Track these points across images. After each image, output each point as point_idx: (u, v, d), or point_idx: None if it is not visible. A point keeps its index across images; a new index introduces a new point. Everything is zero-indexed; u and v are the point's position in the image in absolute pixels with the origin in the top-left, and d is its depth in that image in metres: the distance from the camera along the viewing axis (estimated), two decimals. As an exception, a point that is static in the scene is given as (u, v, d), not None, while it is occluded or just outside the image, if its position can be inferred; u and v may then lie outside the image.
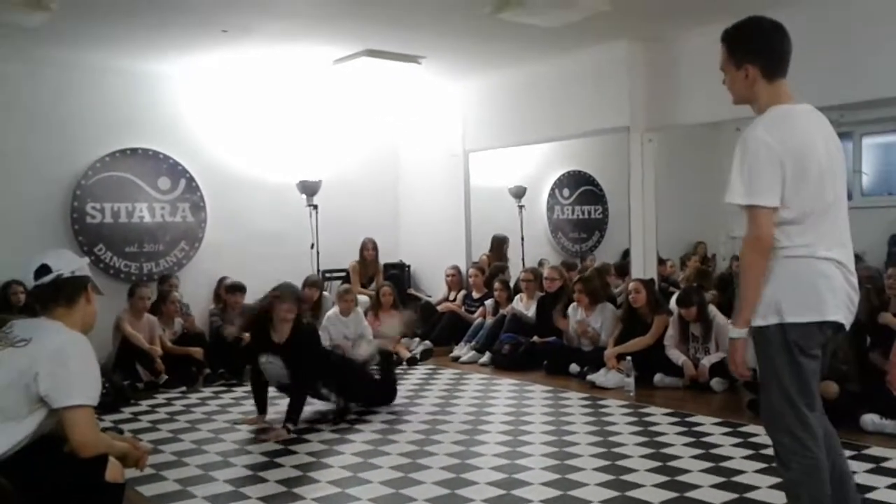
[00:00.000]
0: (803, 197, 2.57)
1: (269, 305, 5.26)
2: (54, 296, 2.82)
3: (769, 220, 2.55)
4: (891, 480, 3.80)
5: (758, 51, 2.67)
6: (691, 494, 3.70)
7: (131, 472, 2.94)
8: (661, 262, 7.80)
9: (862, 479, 3.75)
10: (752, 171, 2.55)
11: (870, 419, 4.60)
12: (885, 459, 4.13)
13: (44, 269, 2.83)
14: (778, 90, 2.66)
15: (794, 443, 2.60)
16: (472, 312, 8.30)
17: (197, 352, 6.97)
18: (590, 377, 6.31)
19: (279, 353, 5.18)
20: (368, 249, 8.80)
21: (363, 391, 5.72)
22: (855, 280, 2.66)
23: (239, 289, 7.41)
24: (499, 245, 9.27)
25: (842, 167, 2.68)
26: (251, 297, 7.31)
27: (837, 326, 2.64)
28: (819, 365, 2.64)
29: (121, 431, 4.89)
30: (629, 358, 6.10)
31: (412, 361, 7.55)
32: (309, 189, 8.51)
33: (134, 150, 7.75)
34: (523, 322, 7.50)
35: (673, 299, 6.48)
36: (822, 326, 2.59)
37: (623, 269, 8.29)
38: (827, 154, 2.63)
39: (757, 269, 2.58)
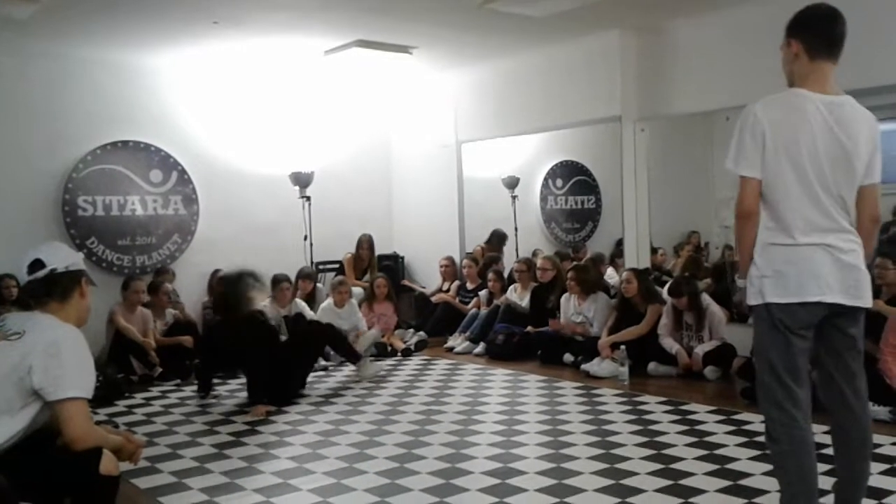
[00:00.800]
0: (781, 180, 2.70)
1: None
2: (48, 291, 2.81)
3: (752, 189, 2.73)
4: (883, 467, 3.83)
5: (804, 27, 2.77)
6: (685, 482, 3.72)
7: (126, 465, 2.94)
8: (652, 251, 7.81)
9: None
10: (740, 143, 2.73)
11: (862, 406, 4.63)
12: (878, 446, 4.14)
13: (38, 264, 2.82)
14: (815, 72, 2.75)
15: (782, 415, 2.72)
16: (467, 303, 8.31)
17: (187, 340, 6.95)
18: (584, 367, 6.32)
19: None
20: (364, 248, 8.78)
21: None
22: (852, 257, 2.72)
23: None
24: (498, 241, 9.26)
25: (857, 159, 2.73)
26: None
27: (835, 305, 2.70)
28: (808, 343, 2.75)
29: (116, 426, 4.89)
30: (623, 347, 6.11)
31: (407, 352, 7.56)
32: (302, 181, 8.49)
33: (125, 143, 7.72)
34: (517, 312, 7.51)
35: (665, 288, 6.50)
36: (805, 307, 2.70)
37: (616, 258, 8.33)
38: (835, 146, 2.69)
39: (742, 233, 2.81)
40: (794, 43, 2.77)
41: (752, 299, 2.79)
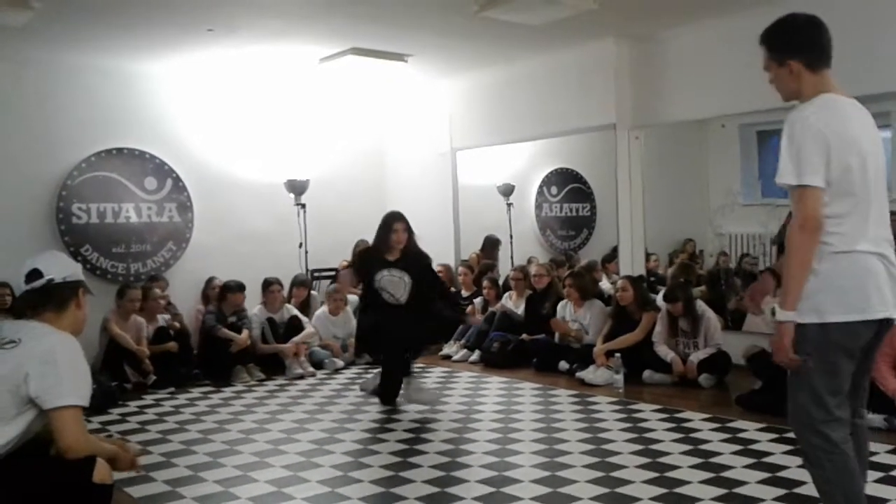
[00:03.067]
0: (847, 185, 2.54)
1: (380, 237, 5.70)
2: (44, 301, 2.80)
3: (817, 201, 2.51)
4: (878, 475, 3.83)
5: (798, 46, 2.67)
6: (680, 490, 3.71)
7: (121, 474, 2.92)
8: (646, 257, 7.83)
9: (849, 473, 3.76)
10: (800, 152, 2.51)
11: (857, 413, 4.63)
12: (873, 454, 4.12)
13: (35, 274, 2.80)
14: (823, 80, 2.66)
15: (823, 442, 2.57)
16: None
17: (171, 346, 6.86)
18: (579, 374, 6.32)
19: (396, 266, 5.61)
20: None
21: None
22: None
23: (241, 287, 7.28)
24: (491, 246, 9.27)
25: (883, 161, 2.67)
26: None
27: (885, 321, 2.60)
28: (853, 365, 2.60)
29: (110, 435, 4.87)
30: (618, 355, 6.11)
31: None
32: (297, 188, 8.49)
33: (120, 150, 7.71)
34: (513, 320, 7.50)
35: (660, 295, 6.51)
36: (867, 324, 2.55)
37: (606, 262, 8.37)
38: (871, 146, 2.61)
39: (806, 249, 2.53)
40: (794, 63, 2.66)
41: (806, 317, 2.54)
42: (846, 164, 2.53)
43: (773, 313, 2.70)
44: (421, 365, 7.37)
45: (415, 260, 5.72)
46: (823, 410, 2.56)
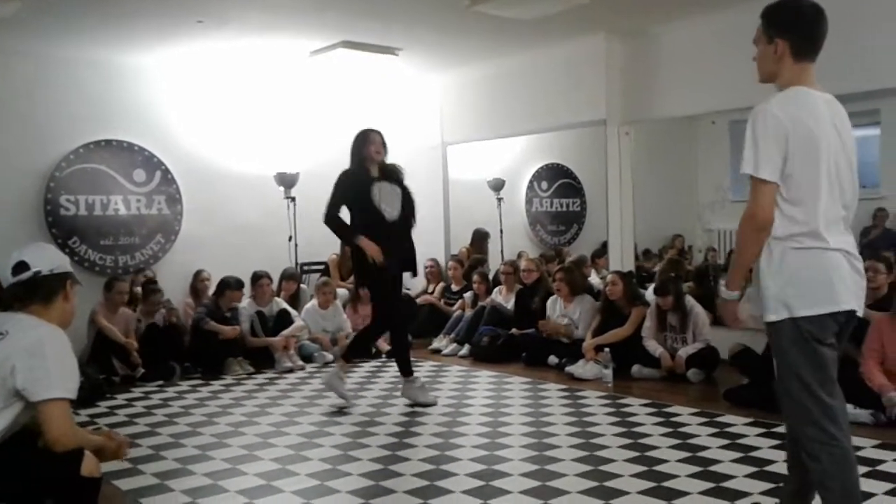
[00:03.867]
0: (809, 180, 2.55)
1: (358, 152, 5.45)
2: (30, 294, 2.78)
3: (768, 197, 2.54)
4: (865, 469, 3.84)
5: (792, 27, 2.65)
6: (669, 484, 3.73)
7: (110, 466, 2.92)
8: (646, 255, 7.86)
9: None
10: (759, 142, 2.53)
11: (844, 409, 4.66)
12: (860, 448, 4.17)
13: (22, 266, 2.78)
14: (802, 72, 2.64)
15: (820, 434, 2.57)
16: (452, 305, 8.31)
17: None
18: (568, 369, 6.33)
19: (385, 179, 5.42)
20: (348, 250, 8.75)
21: None
22: (860, 265, 2.66)
23: (240, 285, 7.26)
24: (480, 240, 9.29)
25: (853, 159, 2.67)
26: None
27: (849, 313, 2.62)
28: (836, 353, 2.63)
29: (98, 428, 4.85)
30: (607, 349, 6.13)
31: (391, 354, 7.54)
32: (286, 181, 8.46)
33: (108, 142, 7.66)
34: (502, 314, 7.51)
35: (650, 289, 6.54)
36: (834, 316, 2.58)
37: (596, 258, 8.39)
38: (840, 143, 2.61)
39: (750, 245, 2.60)
40: (781, 43, 2.64)
41: (774, 314, 2.58)
42: (809, 160, 2.54)
43: (720, 293, 2.82)
44: (411, 358, 7.37)
45: (394, 172, 5.54)
46: (817, 403, 2.57)
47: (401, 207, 5.43)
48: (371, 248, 5.27)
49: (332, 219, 5.43)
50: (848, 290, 2.59)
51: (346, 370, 5.66)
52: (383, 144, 5.47)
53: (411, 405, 5.46)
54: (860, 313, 2.66)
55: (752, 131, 2.56)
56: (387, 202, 5.36)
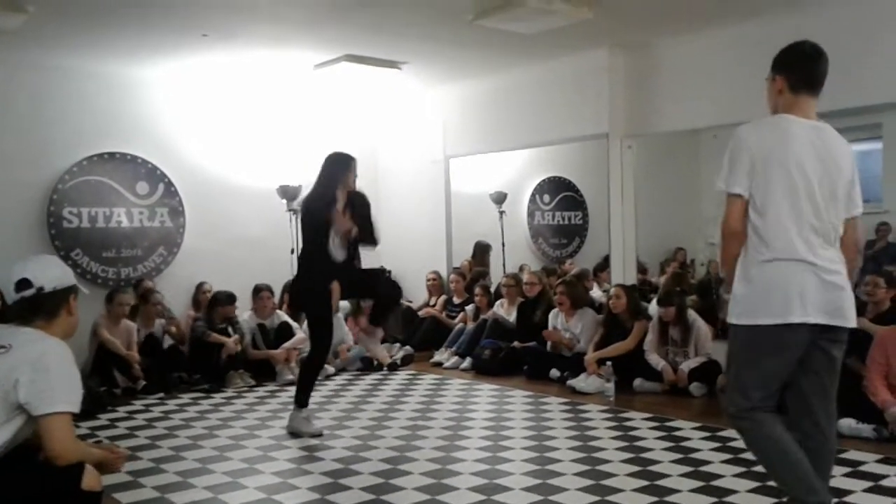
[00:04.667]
0: (772, 196, 2.79)
1: (334, 178, 5.20)
2: (33, 310, 2.77)
3: (737, 208, 2.84)
4: (867, 484, 3.84)
5: (789, 65, 2.93)
6: (671, 499, 3.72)
7: (110, 479, 2.91)
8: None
9: (839, 482, 3.78)
10: (729, 161, 2.86)
11: (847, 423, 4.64)
12: (862, 463, 4.17)
13: (25, 284, 2.77)
14: (797, 103, 2.90)
15: (745, 415, 2.88)
16: (454, 318, 8.30)
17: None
18: (570, 382, 6.32)
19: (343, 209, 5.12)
20: None
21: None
22: (837, 278, 2.80)
23: (232, 299, 7.24)
24: (481, 252, 9.28)
25: (841, 179, 2.85)
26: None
27: (817, 327, 2.77)
28: (786, 366, 2.84)
29: (99, 441, 4.84)
30: (609, 363, 6.12)
31: (393, 367, 7.53)
32: (289, 194, 8.46)
33: (112, 155, 7.68)
34: (504, 327, 7.51)
35: (653, 302, 6.53)
36: (791, 328, 2.77)
37: (598, 272, 8.38)
38: (820, 166, 2.80)
39: (725, 252, 2.93)
40: (779, 79, 2.92)
41: (735, 318, 2.87)
42: (775, 179, 2.79)
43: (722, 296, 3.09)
44: (412, 372, 7.37)
45: (357, 198, 5.23)
46: (745, 399, 2.86)
47: (349, 247, 5.18)
48: (344, 223, 5.09)
49: (310, 256, 5.16)
50: (808, 304, 2.75)
51: (305, 411, 5.18)
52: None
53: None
54: (842, 324, 2.82)
55: (727, 150, 2.90)
56: (336, 248, 5.08)
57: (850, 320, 2.83)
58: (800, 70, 2.91)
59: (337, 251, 5.09)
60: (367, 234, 5.25)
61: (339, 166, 5.21)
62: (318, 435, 5.04)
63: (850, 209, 2.91)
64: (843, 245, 2.90)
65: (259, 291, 7.38)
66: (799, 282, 2.75)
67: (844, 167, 2.86)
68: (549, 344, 6.97)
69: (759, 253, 2.81)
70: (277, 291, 7.88)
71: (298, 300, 5.69)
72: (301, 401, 5.16)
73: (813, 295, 2.75)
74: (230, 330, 7.09)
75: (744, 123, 2.92)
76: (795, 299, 2.75)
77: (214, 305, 7.18)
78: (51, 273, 2.84)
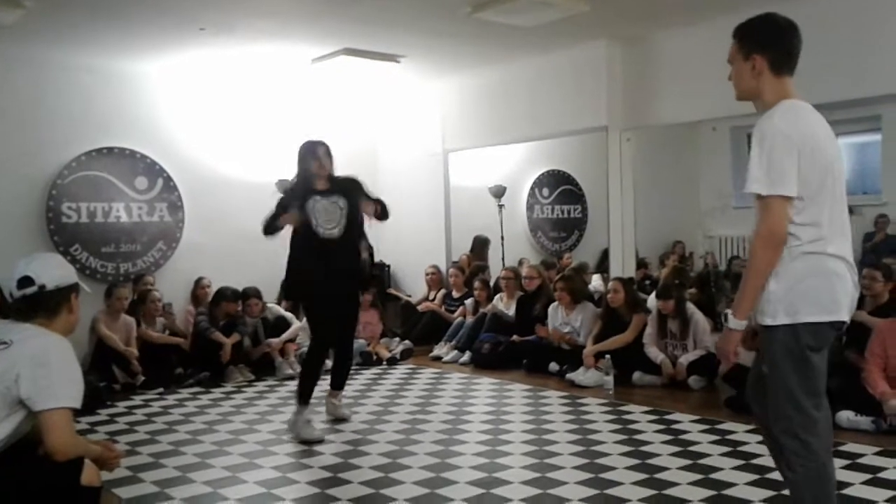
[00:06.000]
0: (816, 190, 2.54)
1: (301, 166, 5.08)
2: (34, 308, 2.78)
3: (785, 212, 2.50)
4: (866, 476, 3.85)
5: (768, 42, 2.65)
6: (670, 492, 3.72)
7: (109, 474, 2.92)
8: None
9: (838, 475, 3.77)
10: (771, 161, 2.50)
11: (845, 416, 4.65)
12: (860, 455, 4.17)
13: (26, 281, 2.78)
14: (784, 86, 2.65)
15: (799, 446, 2.57)
16: (453, 312, 8.30)
17: (182, 342, 6.99)
18: (569, 376, 6.33)
19: (327, 194, 5.01)
20: None
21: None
22: (856, 276, 2.66)
23: (237, 296, 7.23)
24: (480, 246, 9.28)
25: (843, 166, 2.68)
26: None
27: (843, 324, 2.64)
28: (826, 363, 2.63)
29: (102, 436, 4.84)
30: (608, 356, 6.12)
31: (392, 361, 7.54)
32: (287, 188, 8.45)
33: (110, 150, 7.67)
34: (503, 321, 7.51)
35: (652, 295, 6.53)
36: (833, 325, 2.58)
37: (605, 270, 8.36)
38: (835, 151, 2.64)
39: (767, 262, 2.53)
40: (758, 59, 2.64)
41: (771, 318, 2.55)
42: (815, 170, 2.53)
43: (725, 318, 2.67)
44: (411, 366, 7.38)
45: (346, 183, 5.12)
46: (800, 414, 2.56)
47: (346, 224, 5.02)
48: (287, 218, 4.97)
49: (267, 228, 5.18)
50: (848, 301, 2.60)
51: (307, 412, 5.03)
52: (328, 156, 5.07)
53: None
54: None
55: (760, 148, 2.53)
56: (322, 218, 4.95)
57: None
58: (781, 45, 2.64)
59: (325, 223, 4.98)
60: (382, 212, 5.20)
61: (301, 154, 5.13)
62: (320, 441, 4.83)
63: None
64: None
65: (247, 297, 7.34)
66: (841, 277, 2.56)
67: (840, 151, 2.71)
68: (545, 338, 6.95)
69: (801, 245, 2.52)
70: (276, 285, 7.87)
71: (289, 294, 5.57)
72: (301, 398, 5.05)
73: (849, 292, 2.59)
74: (236, 324, 7.11)
75: (766, 118, 2.58)
76: (842, 296, 2.56)
77: (218, 301, 7.17)
78: (53, 271, 2.85)
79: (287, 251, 5.27)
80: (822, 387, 2.61)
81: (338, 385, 5.38)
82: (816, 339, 2.55)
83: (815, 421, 2.57)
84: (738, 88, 2.75)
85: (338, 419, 5.32)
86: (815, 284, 2.53)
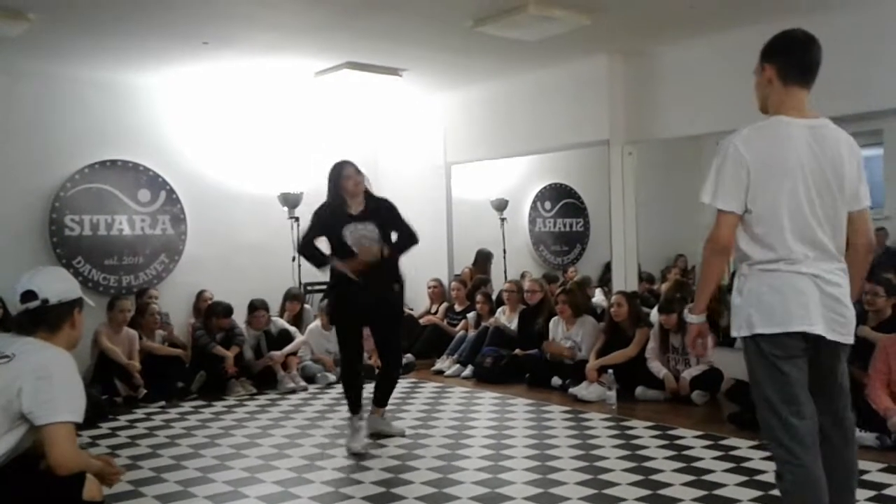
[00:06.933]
0: (767, 208, 2.65)
1: (335, 187, 5.10)
2: (36, 322, 2.78)
3: (728, 224, 2.69)
4: (870, 493, 3.82)
5: (778, 51, 2.75)
6: (673, 508, 3.70)
7: (110, 490, 2.91)
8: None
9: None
10: (719, 175, 2.69)
11: (849, 431, 4.63)
12: (865, 472, 4.15)
13: (29, 295, 2.78)
14: (790, 97, 2.72)
15: (784, 453, 2.63)
16: (455, 325, 8.29)
17: (184, 354, 6.99)
18: (572, 390, 6.31)
19: (361, 219, 5.03)
20: None
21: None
22: (838, 291, 2.67)
23: (228, 311, 7.19)
24: (483, 260, 9.26)
25: (843, 183, 2.70)
26: (235, 312, 7.30)
27: (816, 338, 2.64)
28: (803, 374, 2.68)
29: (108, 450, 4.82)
30: (611, 371, 6.10)
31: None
32: (290, 201, 8.47)
33: (114, 162, 7.69)
34: (506, 335, 7.49)
35: (654, 309, 6.51)
36: (791, 336, 2.63)
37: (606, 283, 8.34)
38: (815, 172, 2.65)
39: (711, 267, 2.78)
40: (768, 68, 2.75)
41: (738, 330, 2.74)
42: (772, 189, 2.64)
43: (685, 317, 2.98)
44: (413, 380, 7.36)
45: (378, 206, 5.15)
46: (779, 421, 2.64)
47: (381, 237, 5.09)
48: (347, 266, 4.94)
49: (305, 246, 5.23)
50: (810, 314, 2.63)
51: (355, 421, 5.12)
52: (360, 173, 5.13)
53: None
54: (842, 339, 2.68)
55: (715, 162, 2.72)
56: (357, 245, 4.99)
57: (850, 337, 2.71)
58: (790, 56, 2.72)
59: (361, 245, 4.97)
60: (406, 238, 5.24)
61: (333, 175, 5.17)
62: (360, 454, 4.82)
63: (854, 203, 2.74)
64: (853, 243, 2.76)
65: (254, 310, 7.33)
66: (799, 291, 2.62)
67: (846, 164, 2.70)
68: (549, 354, 6.94)
69: (762, 264, 2.67)
70: (279, 298, 7.89)
71: (333, 319, 5.68)
72: (349, 408, 5.18)
73: (814, 306, 2.63)
74: (234, 337, 7.09)
75: (733, 132, 2.73)
76: (797, 308, 2.62)
77: (209, 316, 7.18)
78: (56, 286, 2.84)
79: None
80: (802, 395, 2.66)
81: (378, 401, 5.32)
82: (779, 349, 2.64)
83: (796, 428, 2.62)
84: (757, 99, 2.86)
85: (379, 434, 5.21)
86: (767, 300, 2.65)
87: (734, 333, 2.76)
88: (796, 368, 2.66)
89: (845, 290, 2.70)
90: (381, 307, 5.14)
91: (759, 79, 2.80)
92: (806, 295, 2.63)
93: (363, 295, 4.98)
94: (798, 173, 2.63)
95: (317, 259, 5.22)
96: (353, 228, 5.02)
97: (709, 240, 2.74)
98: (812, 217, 2.65)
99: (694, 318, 2.88)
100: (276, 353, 7.11)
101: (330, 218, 5.11)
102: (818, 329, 2.63)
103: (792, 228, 2.64)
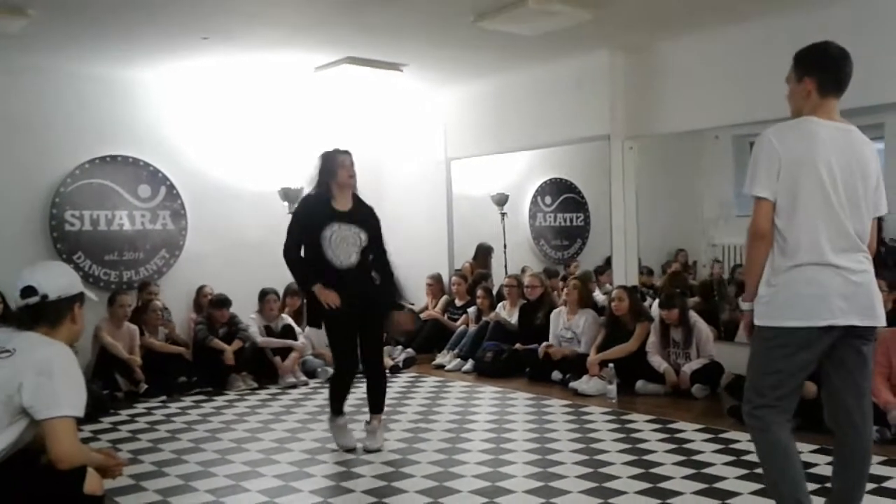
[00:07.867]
0: (794, 202, 2.79)
1: (326, 176, 4.77)
2: (36, 317, 2.77)
3: (765, 211, 2.82)
4: (871, 486, 3.81)
5: (819, 68, 2.90)
6: (673, 501, 3.71)
7: (112, 483, 2.92)
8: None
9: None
10: (755, 166, 2.85)
11: (849, 425, 4.64)
12: (865, 465, 4.16)
13: (30, 291, 2.77)
14: (823, 106, 2.88)
15: (757, 422, 2.89)
16: (455, 320, 8.29)
17: (185, 351, 7.00)
18: (572, 384, 6.31)
19: (347, 220, 4.70)
20: None
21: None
22: (862, 277, 2.81)
23: (224, 303, 7.24)
24: (484, 255, 9.27)
25: (866, 183, 2.86)
26: (235, 307, 7.32)
27: (852, 329, 2.80)
28: (803, 368, 2.85)
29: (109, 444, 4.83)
30: (611, 365, 6.11)
31: (395, 369, 7.53)
32: (290, 197, 8.46)
33: (114, 158, 7.69)
34: (506, 329, 7.50)
35: (655, 303, 6.52)
36: (809, 331, 2.77)
37: (599, 274, 8.38)
38: (842, 168, 2.81)
39: (754, 253, 2.89)
40: (808, 81, 2.89)
41: (761, 319, 2.86)
42: (797, 183, 2.78)
43: (740, 305, 3.18)
44: (414, 375, 7.37)
45: (366, 214, 4.83)
46: (759, 396, 2.87)
47: (360, 252, 4.77)
48: (326, 296, 4.65)
49: (288, 253, 4.87)
50: (834, 307, 2.76)
51: (340, 420, 4.94)
52: (353, 165, 4.83)
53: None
54: (872, 323, 2.83)
55: (752, 155, 2.89)
56: (340, 249, 4.70)
57: (881, 319, 2.85)
58: (831, 72, 2.89)
59: (339, 256, 4.71)
60: (387, 274, 4.92)
61: (326, 164, 4.87)
62: (351, 449, 4.75)
63: (876, 210, 2.91)
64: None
65: (265, 295, 7.39)
66: (825, 285, 2.76)
67: (870, 170, 2.88)
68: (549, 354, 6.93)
69: (786, 256, 2.81)
70: (279, 293, 7.89)
71: (311, 321, 5.24)
72: (331, 409, 4.94)
73: (840, 297, 2.76)
74: (237, 331, 7.13)
75: (769, 126, 2.89)
76: (821, 302, 2.76)
77: (209, 310, 7.20)
78: (57, 281, 2.83)
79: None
80: (791, 387, 2.86)
81: (373, 408, 4.95)
82: (796, 343, 2.80)
83: (773, 406, 2.85)
84: (791, 107, 3.00)
85: (367, 447, 4.83)
86: (790, 294, 2.80)
87: (756, 321, 2.89)
88: (798, 362, 2.82)
89: (870, 276, 2.85)
90: (371, 306, 4.86)
91: (797, 88, 2.94)
92: (830, 287, 2.76)
93: (346, 298, 4.70)
94: (824, 168, 2.78)
95: (301, 275, 4.90)
96: (337, 229, 4.70)
97: (750, 228, 2.87)
98: (839, 213, 2.79)
99: (745, 305, 3.00)
100: (284, 365, 7.11)
101: (313, 211, 4.77)
102: (848, 319, 2.77)
103: (818, 223, 2.78)
